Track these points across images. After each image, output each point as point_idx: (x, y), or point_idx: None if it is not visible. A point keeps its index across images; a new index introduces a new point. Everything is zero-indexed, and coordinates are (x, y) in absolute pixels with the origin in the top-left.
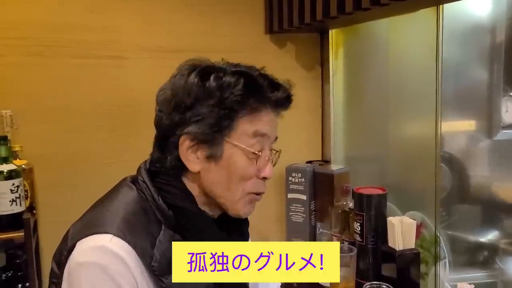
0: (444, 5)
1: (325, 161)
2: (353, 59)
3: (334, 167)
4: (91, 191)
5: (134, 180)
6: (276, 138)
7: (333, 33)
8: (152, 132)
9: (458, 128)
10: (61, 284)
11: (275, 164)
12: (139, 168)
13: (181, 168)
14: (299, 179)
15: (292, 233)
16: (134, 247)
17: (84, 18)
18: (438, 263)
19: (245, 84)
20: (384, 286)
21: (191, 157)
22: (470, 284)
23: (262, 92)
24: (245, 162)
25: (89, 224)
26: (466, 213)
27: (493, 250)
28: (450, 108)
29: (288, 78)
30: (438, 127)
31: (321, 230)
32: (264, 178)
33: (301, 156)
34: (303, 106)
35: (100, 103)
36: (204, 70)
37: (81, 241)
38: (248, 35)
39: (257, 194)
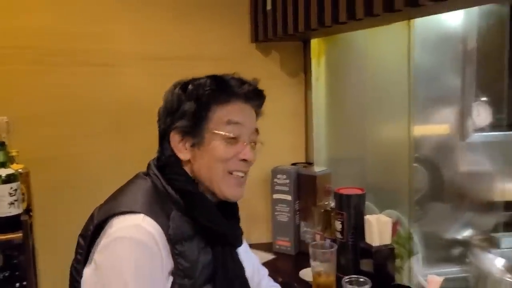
0: None
1: (309, 163)
2: (334, 66)
3: (317, 169)
4: (83, 194)
5: (146, 174)
6: (257, 130)
7: (315, 42)
8: (143, 136)
9: (433, 131)
10: (86, 253)
11: (257, 153)
12: (149, 164)
13: (178, 159)
14: (284, 181)
15: (278, 232)
16: (159, 223)
17: (78, 28)
18: (412, 258)
19: (215, 82)
20: (362, 279)
21: (181, 148)
22: (439, 276)
23: (230, 87)
24: (223, 145)
25: (116, 205)
26: (440, 211)
27: (465, 246)
28: (426, 112)
29: (273, 85)
30: (411, 131)
31: (305, 228)
32: (244, 160)
33: (286, 158)
34: (288, 111)
35: (93, 109)
36: (185, 83)
37: (116, 218)
38: (235, 44)
39: (239, 174)
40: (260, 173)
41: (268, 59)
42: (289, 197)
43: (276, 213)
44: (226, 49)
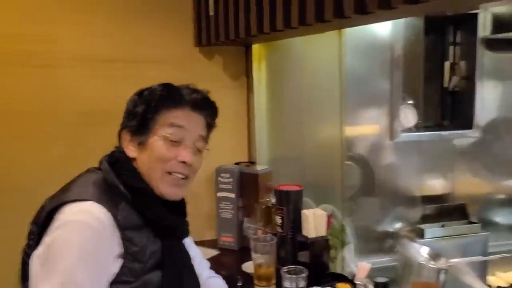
0: None
1: (251, 162)
2: (274, 70)
3: (259, 167)
4: (28, 194)
5: (97, 168)
6: (203, 137)
7: (256, 47)
8: (90, 137)
9: (365, 131)
10: (37, 240)
11: (203, 158)
12: (101, 160)
13: (128, 157)
14: (228, 179)
15: (222, 229)
16: (107, 209)
17: (21, 28)
18: (345, 248)
19: (165, 88)
20: (299, 269)
21: (129, 146)
22: (368, 263)
23: (179, 94)
24: (164, 146)
25: (67, 194)
26: (372, 205)
27: (394, 237)
28: (357, 114)
29: (216, 87)
30: (342, 131)
31: (248, 224)
32: (184, 162)
33: (230, 158)
34: (231, 113)
35: (37, 110)
36: (142, 89)
37: (66, 205)
38: (179, 47)
39: (178, 175)
40: (205, 173)
41: (211, 62)
42: (232, 195)
43: (220, 210)
44: (171, 52)
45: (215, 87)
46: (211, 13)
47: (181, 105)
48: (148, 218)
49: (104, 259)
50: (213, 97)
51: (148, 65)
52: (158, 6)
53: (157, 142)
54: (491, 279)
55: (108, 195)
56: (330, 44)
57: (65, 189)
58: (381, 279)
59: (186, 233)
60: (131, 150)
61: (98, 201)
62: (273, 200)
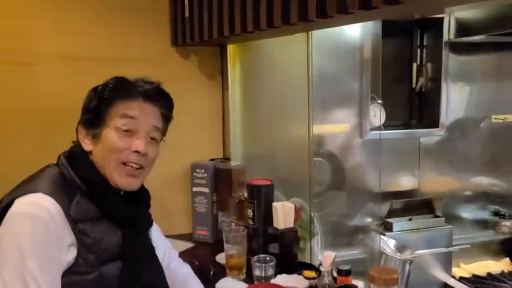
0: None
1: (226, 159)
2: (247, 70)
3: (233, 163)
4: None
5: (55, 164)
6: (156, 127)
7: (230, 48)
8: (60, 134)
9: (336, 129)
10: None
11: (159, 148)
12: (59, 155)
13: (85, 151)
14: (203, 175)
15: (197, 222)
16: (57, 201)
17: None
18: (312, 239)
19: (117, 81)
20: (268, 258)
21: (85, 140)
22: (333, 252)
23: (130, 86)
24: (116, 137)
25: (21, 189)
26: (343, 200)
27: (364, 231)
28: (327, 113)
29: (192, 86)
30: (310, 129)
31: (222, 218)
32: (137, 152)
33: (205, 154)
34: (206, 111)
35: (13, 108)
36: (97, 86)
37: (18, 198)
38: (156, 47)
39: (133, 165)
40: (180, 168)
41: (187, 62)
42: (207, 190)
43: (195, 205)
44: (148, 52)
45: (191, 85)
46: (186, 15)
47: (133, 97)
48: (105, 210)
49: (54, 248)
50: (190, 95)
51: (126, 63)
52: (135, 7)
53: (110, 133)
54: (456, 270)
55: (63, 189)
56: (298, 45)
57: (21, 184)
58: (345, 267)
59: (148, 225)
60: (86, 144)
61: (48, 193)
62: (246, 194)
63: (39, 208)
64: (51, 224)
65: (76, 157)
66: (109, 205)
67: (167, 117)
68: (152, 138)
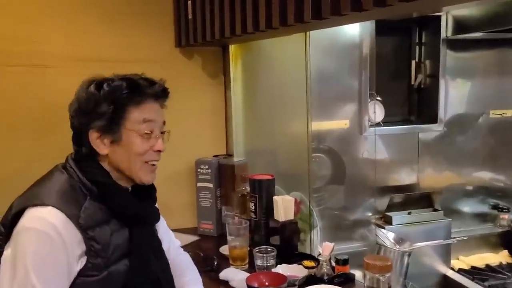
0: None
1: (229, 155)
2: (249, 69)
3: (235, 159)
4: (16, 188)
5: (63, 166)
6: (164, 122)
7: (232, 48)
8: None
9: (336, 126)
10: (5, 241)
11: (166, 141)
12: (67, 158)
13: (95, 154)
14: (207, 170)
15: (201, 216)
16: (66, 214)
17: (10, 29)
18: (312, 231)
19: (129, 85)
20: (269, 249)
21: (100, 144)
22: (331, 243)
23: (142, 89)
24: (140, 141)
25: (31, 197)
26: (343, 194)
27: (364, 224)
28: (327, 109)
29: (195, 85)
30: (309, 126)
31: (225, 212)
32: (158, 151)
33: (208, 151)
34: (209, 109)
35: (25, 108)
36: (98, 82)
37: (28, 210)
38: (161, 48)
39: (154, 163)
40: (185, 165)
41: (191, 62)
42: (211, 185)
43: (200, 199)
44: (153, 53)
45: (194, 84)
46: (190, 16)
47: (146, 100)
48: (114, 211)
49: (61, 263)
50: (193, 94)
51: (132, 64)
52: (141, 10)
53: (132, 138)
54: (455, 263)
55: (71, 197)
56: (297, 44)
57: (31, 189)
58: (342, 256)
59: (155, 219)
60: (102, 148)
61: (59, 205)
62: (248, 189)
63: (46, 224)
64: (58, 240)
65: (84, 160)
66: (119, 205)
67: (163, 107)
68: (162, 133)
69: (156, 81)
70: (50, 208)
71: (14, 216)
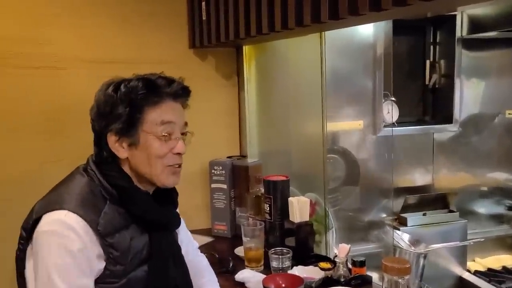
0: None
1: (242, 156)
2: (263, 70)
3: (249, 160)
4: (32, 188)
5: (84, 168)
6: (186, 123)
7: (246, 49)
8: (85, 134)
9: (350, 126)
10: (26, 244)
11: (188, 142)
12: (88, 160)
13: (115, 157)
14: (220, 171)
15: (216, 218)
16: (84, 218)
17: (23, 32)
18: (327, 233)
19: (145, 85)
20: (285, 250)
21: (118, 147)
22: (348, 245)
23: (160, 88)
24: (158, 144)
25: (50, 202)
26: (358, 195)
27: (379, 226)
28: (343, 111)
29: (209, 86)
30: (324, 127)
31: (239, 213)
32: (178, 154)
33: (222, 152)
34: (223, 110)
35: (39, 109)
36: (116, 84)
37: (46, 214)
38: (174, 49)
39: (175, 166)
40: (199, 166)
41: (204, 63)
42: (225, 186)
43: (214, 201)
44: (167, 54)
45: (208, 85)
46: (204, 17)
47: (164, 100)
48: (134, 215)
49: (82, 262)
50: (207, 95)
51: (146, 66)
52: (154, 12)
53: (151, 141)
54: (471, 264)
55: (91, 200)
56: (312, 45)
57: (52, 194)
58: (359, 258)
59: (176, 224)
60: (121, 152)
61: (78, 210)
62: (263, 190)
63: (64, 226)
64: (76, 242)
65: (105, 163)
66: (140, 210)
67: (185, 107)
68: (183, 134)
69: (174, 80)
70: (66, 211)
71: (36, 221)
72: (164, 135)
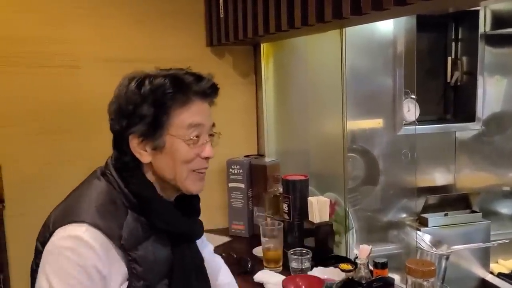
0: None
1: (260, 155)
2: (280, 68)
3: (267, 159)
4: (51, 187)
5: (103, 173)
6: (214, 124)
7: (264, 46)
8: (105, 133)
9: (369, 125)
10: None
11: (216, 144)
12: (107, 163)
13: (138, 161)
14: (238, 171)
15: (233, 217)
16: (105, 232)
17: (41, 32)
18: (348, 233)
19: (172, 82)
20: (304, 251)
21: (141, 151)
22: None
23: (188, 86)
24: (185, 148)
25: (67, 213)
26: (377, 195)
27: (399, 226)
28: (361, 108)
29: (227, 84)
30: (344, 125)
31: (257, 213)
32: (206, 158)
33: (240, 151)
34: (241, 108)
35: (58, 108)
36: (139, 79)
37: (62, 227)
38: (192, 48)
39: (202, 171)
40: (217, 165)
41: (222, 61)
42: (242, 185)
43: (231, 200)
44: (184, 52)
45: (226, 84)
46: (222, 15)
47: (192, 99)
48: (158, 227)
49: (98, 285)
50: (224, 93)
51: (164, 64)
52: (172, 10)
53: (177, 144)
54: (494, 266)
55: (112, 211)
56: (332, 42)
57: (67, 205)
58: (381, 260)
59: (199, 234)
60: (144, 155)
61: (98, 221)
62: (281, 190)
63: (81, 244)
64: (94, 260)
65: (127, 169)
66: (165, 222)
67: (211, 105)
68: (210, 135)
69: (203, 76)
70: (86, 226)
71: (51, 234)
72: (192, 139)
